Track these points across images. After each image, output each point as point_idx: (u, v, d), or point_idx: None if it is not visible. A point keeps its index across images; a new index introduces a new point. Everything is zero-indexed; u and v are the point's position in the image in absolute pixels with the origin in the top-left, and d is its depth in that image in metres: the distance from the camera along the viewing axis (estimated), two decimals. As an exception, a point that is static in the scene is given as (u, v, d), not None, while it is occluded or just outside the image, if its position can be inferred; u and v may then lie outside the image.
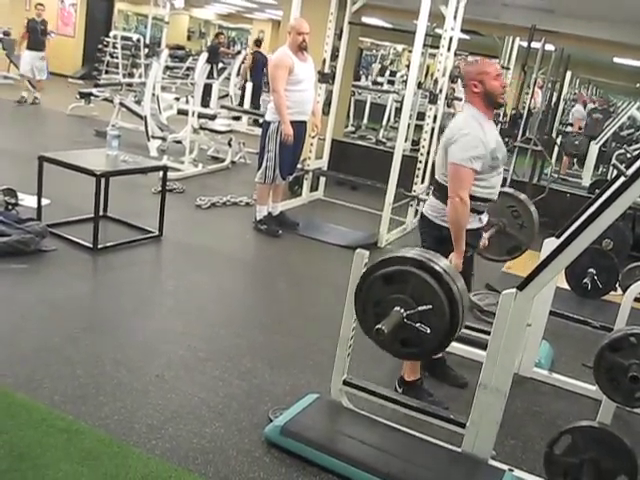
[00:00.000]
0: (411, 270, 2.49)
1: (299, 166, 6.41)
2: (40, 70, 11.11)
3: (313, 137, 6.38)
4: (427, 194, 6.58)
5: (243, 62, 12.69)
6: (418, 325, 2.45)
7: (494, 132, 3.18)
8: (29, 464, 2.44)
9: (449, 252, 3.10)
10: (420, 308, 2.44)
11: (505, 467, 2.72)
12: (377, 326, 2.41)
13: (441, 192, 3.17)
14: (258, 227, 5.78)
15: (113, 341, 3.48)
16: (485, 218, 3.30)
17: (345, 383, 2.95)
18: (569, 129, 12.09)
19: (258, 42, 13.55)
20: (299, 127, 5.54)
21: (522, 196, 3.79)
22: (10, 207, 4.91)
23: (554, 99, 8.62)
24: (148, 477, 2.47)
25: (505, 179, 7.51)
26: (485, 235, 3.49)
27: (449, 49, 6.28)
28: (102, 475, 2.44)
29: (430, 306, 2.43)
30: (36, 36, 11.11)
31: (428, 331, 2.44)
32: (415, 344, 2.52)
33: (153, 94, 8.66)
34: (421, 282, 2.46)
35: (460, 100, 9.48)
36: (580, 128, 11.81)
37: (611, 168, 10.22)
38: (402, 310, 2.46)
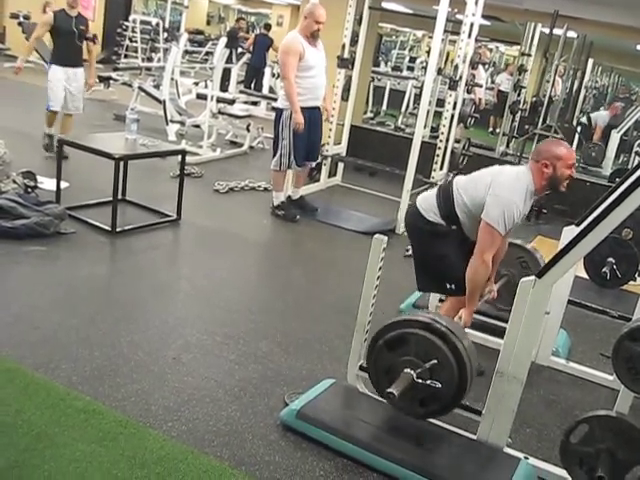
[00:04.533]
0: (414, 332, 2.59)
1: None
2: (74, 99, 6.59)
3: (325, 121, 6.34)
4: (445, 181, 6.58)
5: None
6: (429, 382, 2.54)
7: (528, 207, 3.12)
8: (47, 443, 2.46)
9: (443, 245, 3.17)
10: (427, 365, 2.54)
11: (521, 455, 2.72)
12: (387, 390, 2.52)
13: (445, 201, 3.16)
14: (276, 212, 5.78)
15: (130, 323, 3.50)
16: None
17: (361, 368, 2.96)
18: (584, 119, 11.76)
19: (267, 26, 13.59)
20: (313, 113, 5.51)
21: (529, 246, 3.79)
22: (30, 190, 4.94)
23: (575, 87, 8.52)
24: (164, 459, 2.49)
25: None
26: (495, 287, 3.49)
27: (470, 35, 6.22)
28: (119, 456, 2.46)
29: (435, 360, 2.53)
30: (68, 41, 6.41)
31: (439, 385, 2.53)
32: (432, 401, 2.61)
33: (172, 78, 8.69)
34: (424, 341, 2.57)
35: (480, 87, 9.43)
36: (602, 136, 11.06)
37: (632, 157, 10.12)
38: (412, 371, 2.56)
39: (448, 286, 3.25)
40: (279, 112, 5.52)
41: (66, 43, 6.42)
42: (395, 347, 2.62)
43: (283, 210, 5.76)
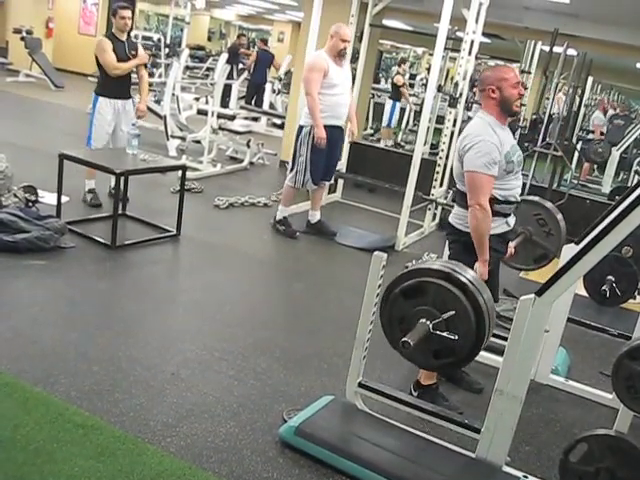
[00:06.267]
0: (433, 281, 2.49)
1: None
2: (123, 137, 5.61)
3: (349, 143, 6.34)
4: (445, 198, 6.60)
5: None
6: (446, 333, 2.45)
7: (509, 136, 3.15)
8: (45, 459, 2.46)
9: (471, 261, 3.10)
10: (444, 316, 2.44)
11: (519, 474, 2.70)
12: (403, 339, 2.41)
13: (462, 199, 3.16)
14: (276, 227, 5.78)
15: (130, 338, 3.50)
16: (512, 221, 3.26)
17: (360, 385, 2.95)
18: (590, 136, 11.99)
19: (264, 41, 13.71)
20: (333, 132, 5.48)
21: (548, 204, 3.75)
22: (30, 204, 4.96)
23: (575, 104, 8.56)
24: (162, 474, 2.48)
25: (525, 184, 7.47)
26: (511, 244, 3.47)
27: (470, 52, 6.25)
28: (117, 471, 2.45)
29: (453, 312, 2.43)
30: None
31: (456, 338, 2.43)
32: (447, 354, 2.52)
33: (173, 94, 8.72)
34: (443, 291, 2.47)
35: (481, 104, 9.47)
36: (601, 134, 11.67)
37: (632, 175, 10.16)
38: (428, 321, 2.47)
39: None
40: (299, 129, 5.53)
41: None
42: (412, 296, 2.52)
43: (284, 226, 5.76)
